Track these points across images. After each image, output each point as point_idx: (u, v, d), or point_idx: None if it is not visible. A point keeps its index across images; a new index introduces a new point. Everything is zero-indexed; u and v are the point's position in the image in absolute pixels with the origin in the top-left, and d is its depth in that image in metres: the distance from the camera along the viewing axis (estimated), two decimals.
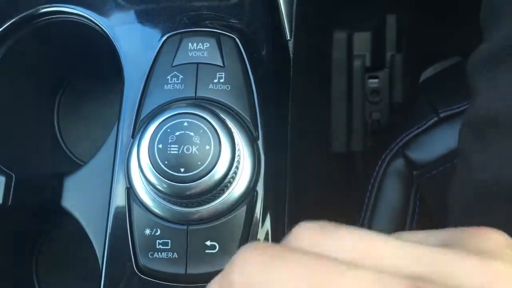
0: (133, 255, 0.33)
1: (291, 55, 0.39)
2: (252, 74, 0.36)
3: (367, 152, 0.70)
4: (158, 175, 0.30)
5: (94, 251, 0.35)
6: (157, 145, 0.31)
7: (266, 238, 0.33)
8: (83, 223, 0.35)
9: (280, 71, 0.38)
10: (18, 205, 0.37)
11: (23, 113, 0.44)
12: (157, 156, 0.31)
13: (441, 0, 0.69)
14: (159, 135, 0.31)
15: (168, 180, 0.30)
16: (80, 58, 0.46)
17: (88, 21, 0.39)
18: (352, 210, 0.47)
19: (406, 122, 0.48)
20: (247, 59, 0.36)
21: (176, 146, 0.31)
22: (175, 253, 0.32)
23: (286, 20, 0.40)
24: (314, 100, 0.54)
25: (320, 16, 0.57)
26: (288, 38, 0.40)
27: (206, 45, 0.36)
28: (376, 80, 0.73)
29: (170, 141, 0.31)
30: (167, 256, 0.32)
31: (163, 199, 0.32)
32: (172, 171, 0.30)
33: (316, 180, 0.50)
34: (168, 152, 0.30)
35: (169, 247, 0.32)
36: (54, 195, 0.37)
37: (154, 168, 0.30)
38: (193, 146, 0.31)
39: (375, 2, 0.72)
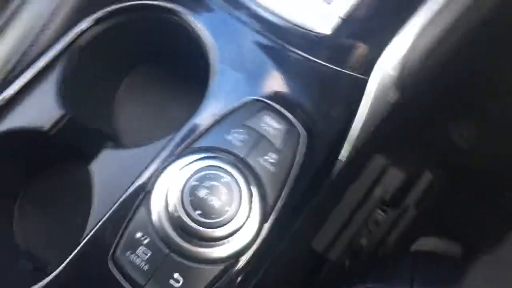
0: (115, 245, 0.37)
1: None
2: (296, 171, 0.40)
3: (336, 265, 0.74)
4: (182, 210, 0.34)
5: (85, 217, 0.39)
6: (193, 182, 0.35)
7: None
8: (96, 190, 0.39)
9: (319, 180, 0.43)
10: (57, 139, 0.41)
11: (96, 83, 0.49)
12: (186, 192, 0.35)
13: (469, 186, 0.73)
14: (198, 175, 0.35)
15: (187, 217, 0.34)
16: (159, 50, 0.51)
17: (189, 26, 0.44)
18: None
19: (378, 273, 0.52)
20: (300, 157, 0.40)
21: (208, 192, 0.35)
22: (146, 265, 0.36)
23: (349, 142, 0.45)
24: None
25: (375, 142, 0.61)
26: (340, 158, 0.44)
27: (278, 126, 0.40)
28: (382, 214, 0.77)
29: (205, 185, 0.35)
30: (139, 264, 0.36)
31: (169, 222, 0.36)
32: (194, 212, 0.34)
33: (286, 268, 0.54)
34: (198, 194, 0.35)
35: (145, 258, 0.36)
36: (90, 151, 0.41)
37: (182, 202, 0.34)
38: (220, 200, 0.35)
39: (425, 154, 0.76)
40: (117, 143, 0.45)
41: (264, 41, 0.43)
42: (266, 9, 0.45)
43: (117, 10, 0.44)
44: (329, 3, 0.44)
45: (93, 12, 0.45)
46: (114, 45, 0.47)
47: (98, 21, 0.44)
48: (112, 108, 0.50)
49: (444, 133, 0.78)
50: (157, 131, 0.49)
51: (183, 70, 0.51)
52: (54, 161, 0.47)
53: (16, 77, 0.43)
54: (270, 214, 0.39)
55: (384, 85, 0.45)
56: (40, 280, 0.39)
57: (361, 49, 0.45)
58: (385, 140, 0.63)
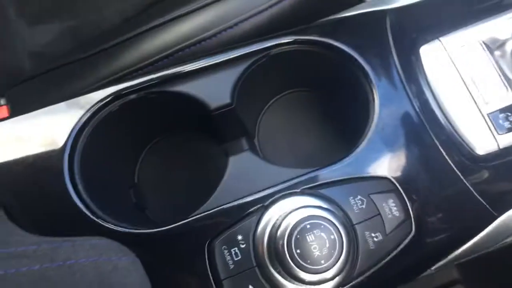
0: (217, 234, 0.41)
1: None
2: (390, 260, 0.42)
3: None
4: (285, 241, 0.38)
5: (199, 193, 0.44)
6: (306, 224, 0.39)
7: None
8: (225, 179, 0.44)
9: (404, 277, 0.45)
10: (212, 119, 0.47)
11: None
12: (297, 229, 0.39)
13: None
14: (313, 221, 0.39)
15: (286, 249, 0.38)
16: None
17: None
18: None
19: None
20: (400, 250, 0.42)
21: (314, 240, 0.38)
22: (232, 265, 0.40)
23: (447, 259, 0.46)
24: None
25: None
26: (432, 269, 0.46)
27: (397, 214, 0.42)
28: None
29: (315, 232, 0.39)
30: (228, 260, 0.40)
31: (268, 243, 0.40)
32: (294, 249, 0.38)
33: None
34: (305, 236, 0.38)
35: (235, 259, 0.40)
36: (229, 140, 0.46)
37: (289, 235, 0.38)
38: (321, 252, 0.38)
39: None
40: (251, 145, 0.50)
41: (419, 128, 0.45)
42: (436, 100, 0.47)
43: (317, 41, 0.48)
44: (499, 133, 0.45)
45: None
46: (290, 64, 0.52)
47: (296, 42, 0.48)
48: (261, 115, 0.55)
49: None
50: (289, 155, 0.53)
51: (336, 111, 0.55)
52: (194, 133, 0.53)
53: (209, 53, 0.48)
54: (348, 283, 0.42)
55: (508, 227, 0.46)
56: (138, 220, 0.44)
57: (503, 186, 0.46)
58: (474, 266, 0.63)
